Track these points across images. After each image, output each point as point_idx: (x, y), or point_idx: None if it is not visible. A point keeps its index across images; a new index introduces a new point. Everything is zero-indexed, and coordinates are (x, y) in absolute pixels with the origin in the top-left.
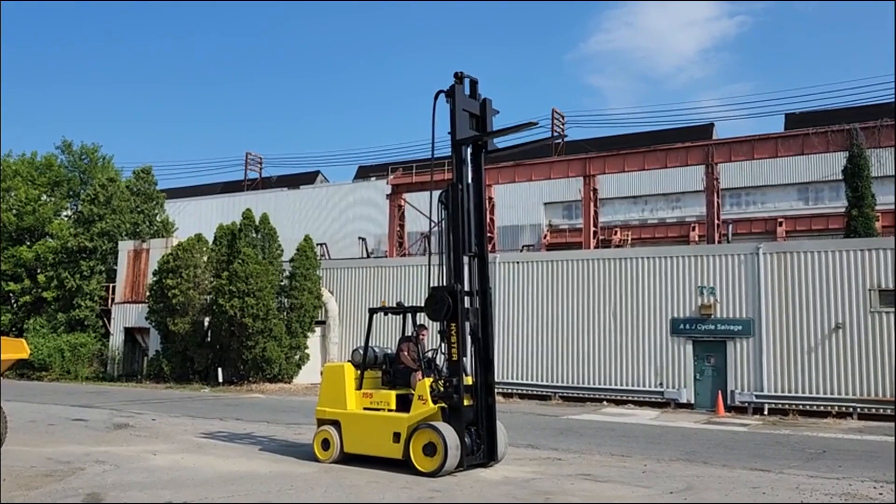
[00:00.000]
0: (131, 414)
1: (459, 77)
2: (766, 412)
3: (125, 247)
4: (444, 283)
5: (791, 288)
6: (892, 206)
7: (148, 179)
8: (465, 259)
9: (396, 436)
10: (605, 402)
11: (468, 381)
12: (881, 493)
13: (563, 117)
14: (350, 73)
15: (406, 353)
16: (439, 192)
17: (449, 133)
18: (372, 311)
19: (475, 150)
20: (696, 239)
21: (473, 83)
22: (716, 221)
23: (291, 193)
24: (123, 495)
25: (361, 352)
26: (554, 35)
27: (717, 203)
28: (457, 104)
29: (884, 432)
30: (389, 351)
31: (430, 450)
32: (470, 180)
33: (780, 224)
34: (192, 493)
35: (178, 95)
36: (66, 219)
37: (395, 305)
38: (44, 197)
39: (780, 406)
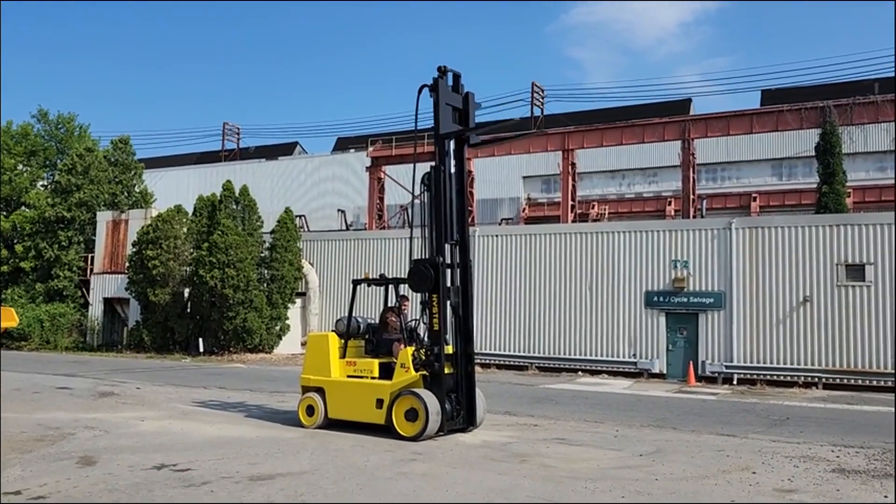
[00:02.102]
0: (115, 382)
1: (443, 71)
2: (735, 382)
3: (104, 217)
4: (427, 256)
5: (762, 262)
6: (863, 183)
7: (126, 150)
8: (447, 246)
9: (379, 402)
10: (580, 373)
11: (448, 349)
12: (838, 456)
13: (542, 91)
14: (328, 45)
15: (390, 323)
16: (423, 174)
17: (432, 119)
18: (355, 283)
19: (458, 143)
20: (672, 213)
21: (456, 77)
22: (691, 196)
23: (269, 164)
24: (116, 458)
25: (345, 321)
26: (535, 6)
27: (693, 178)
28: (440, 98)
29: (846, 401)
30: (372, 321)
31: (411, 415)
32: (452, 170)
33: (754, 199)
34: (182, 457)
35: (154, 64)
36: (43, 189)
37: (378, 277)
38: (20, 167)
39: (748, 376)
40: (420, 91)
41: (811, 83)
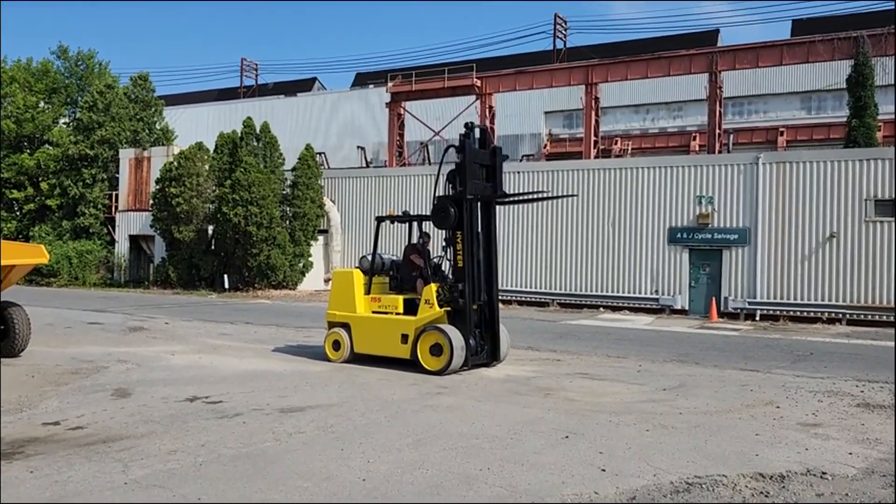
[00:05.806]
0: (144, 318)
1: (469, 127)
2: (757, 318)
3: (126, 155)
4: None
5: (789, 197)
6: (894, 116)
7: (146, 86)
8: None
9: (404, 337)
10: (601, 309)
11: None
12: (862, 391)
13: (565, 23)
14: None
15: (414, 260)
16: (448, 171)
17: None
18: (379, 220)
19: (484, 201)
20: (697, 148)
21: (483, 131)
22: (717, 131)
23: (288, 101)
24: (150, 390)
25: (370, 258)
26: None
27: (719, 112)
28: (467, 157)
29: (870, 337)
30: (396, 258)
31: (436, 350)
32: (480, 229)
33: (782, 133)
34: (214, 389)
35: None
36: (65, 126)
37: (401, 214)
38: (42, 104)
39: (771, 312)
40: (446, 151)
41: (844, 12)
